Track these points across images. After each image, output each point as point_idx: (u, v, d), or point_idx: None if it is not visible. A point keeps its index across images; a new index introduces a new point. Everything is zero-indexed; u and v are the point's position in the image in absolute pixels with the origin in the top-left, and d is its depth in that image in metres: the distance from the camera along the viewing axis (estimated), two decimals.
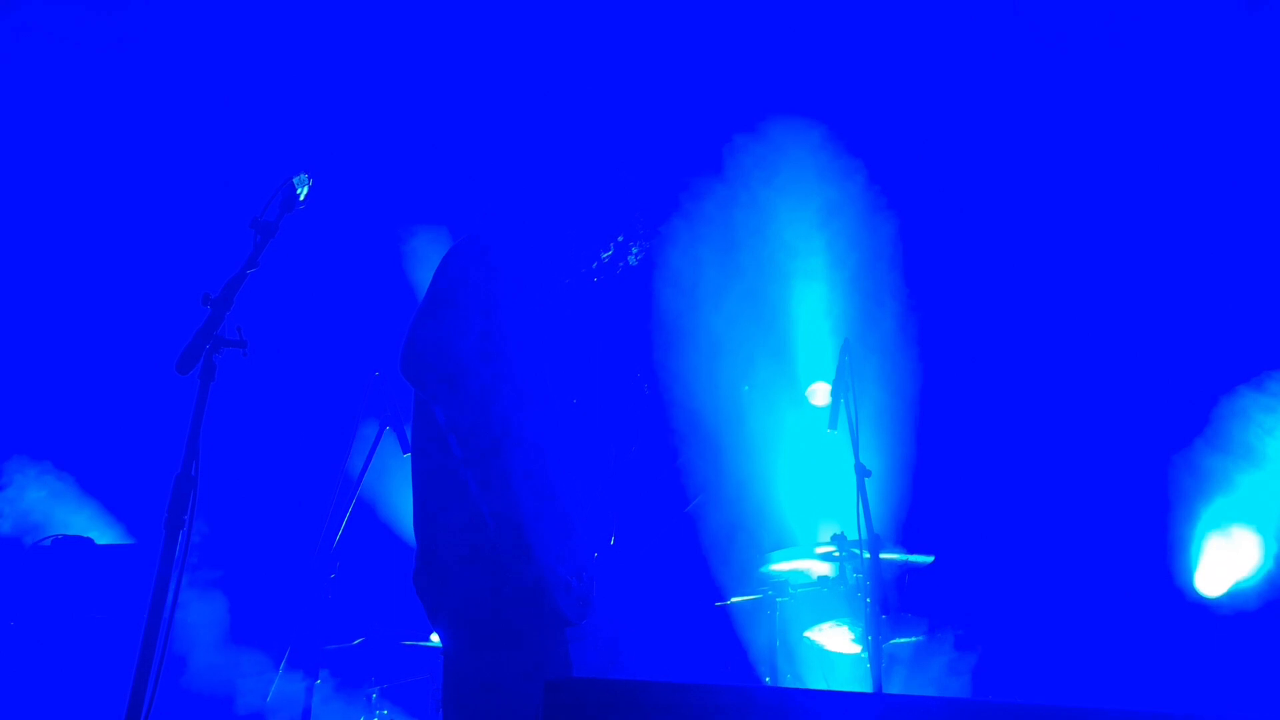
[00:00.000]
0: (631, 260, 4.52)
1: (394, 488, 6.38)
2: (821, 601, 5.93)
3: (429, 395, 3.90)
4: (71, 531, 6.64)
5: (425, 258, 6.56)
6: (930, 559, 5.86)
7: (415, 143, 7.01)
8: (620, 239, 4.43)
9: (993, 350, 6.71)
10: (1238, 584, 6.71)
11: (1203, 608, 6.54)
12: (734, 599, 6.07)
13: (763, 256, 7.10)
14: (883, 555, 5.56)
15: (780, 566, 6.00)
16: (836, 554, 5.73)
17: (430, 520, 3.89)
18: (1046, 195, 7.05)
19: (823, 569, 5.95)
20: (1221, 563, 6.77)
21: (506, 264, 4.20)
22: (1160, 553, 6.69)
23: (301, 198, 4.13)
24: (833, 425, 5.58)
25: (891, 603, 5.87)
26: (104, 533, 6.85)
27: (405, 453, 5.89)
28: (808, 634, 6.00)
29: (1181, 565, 6.76)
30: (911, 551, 5.84)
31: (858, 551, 5.54)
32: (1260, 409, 6.53)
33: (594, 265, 4.38)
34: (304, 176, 4.06)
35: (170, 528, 3.36)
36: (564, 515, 3.94)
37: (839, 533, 5.72)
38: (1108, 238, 7.02)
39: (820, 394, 6.95)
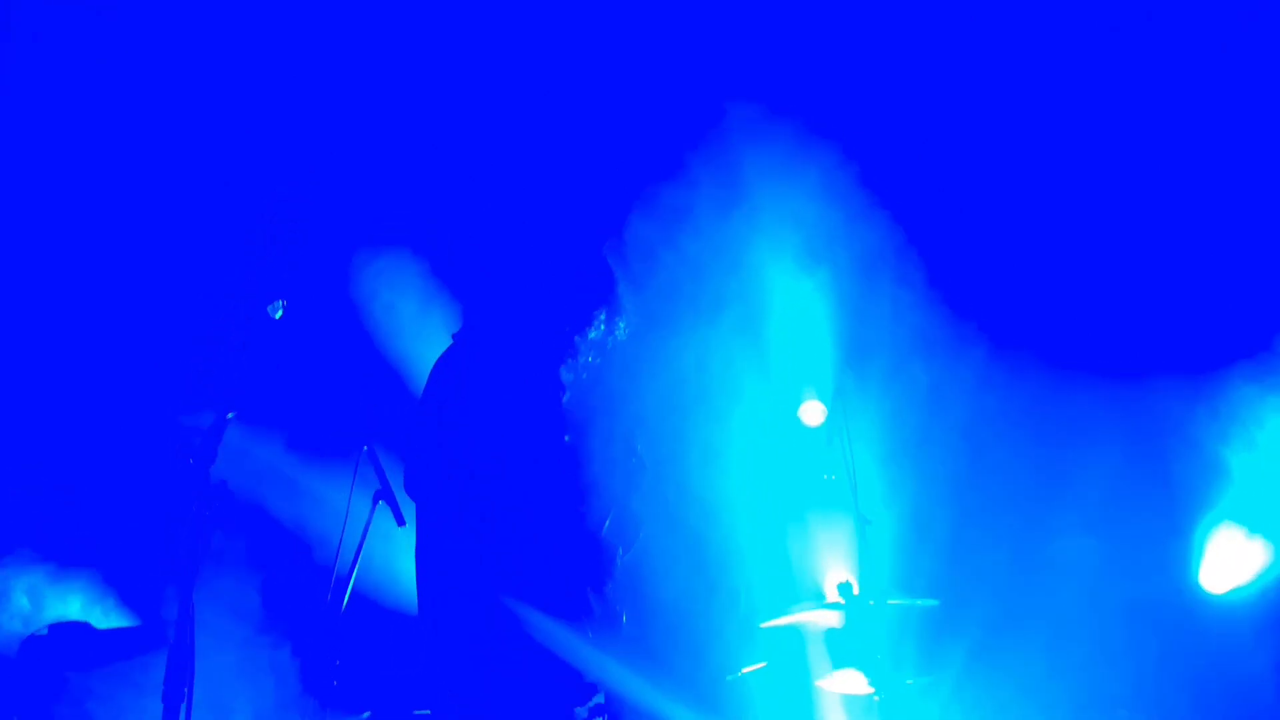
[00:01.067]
0: (620, 334, 4.47)
1: (392, 559, 6.32)
2: (830, 651, 5.91)
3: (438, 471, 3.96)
4: (69, 617, 6.57)
5: (409, 329, 6.47)
6: (936, 602, 5.82)
7: (404, 217, 6.92)
8: (603, 315, 4.38)
9: (993, 383, 6.62)
10: (1244, 583, 6.72)
11: (1211, 627, 6.53)
12: (745, 669, 6.02)
13: (748, 266, 6.97)
14: (889, 601, 5.54)
15: (786, 620, 5.95)
16: (843, 603, 5.69)
17: (438, 591, 3.92)
18: (1049, 202, 6.96)
19: (830, 619, 5.91)
20: (1229, 558, 6.77)
21: (491, 363, 4.18)
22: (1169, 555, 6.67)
23: (277, 318, 4.06)
24: (831, 474, 5.54)
25: (901, 647, 5.86)
26: (104, 616, 6.78)
27: (400, 525, 5.83)
28: (820, 684, 5.97)
29: (1188, 567, 6.75)
30: (917, 596, 5.80)
31: (863, 599, 5.53)
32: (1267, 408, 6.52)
33: (584, 350, 4.33)
34: (278, 302, 4.00)
35: (169, 699, 3.29)
36: (573, 586, 3.96)
37: (844, 582, 5.68)
38: (1108, 240, 6.95)
39: (813, 413, 6.87)
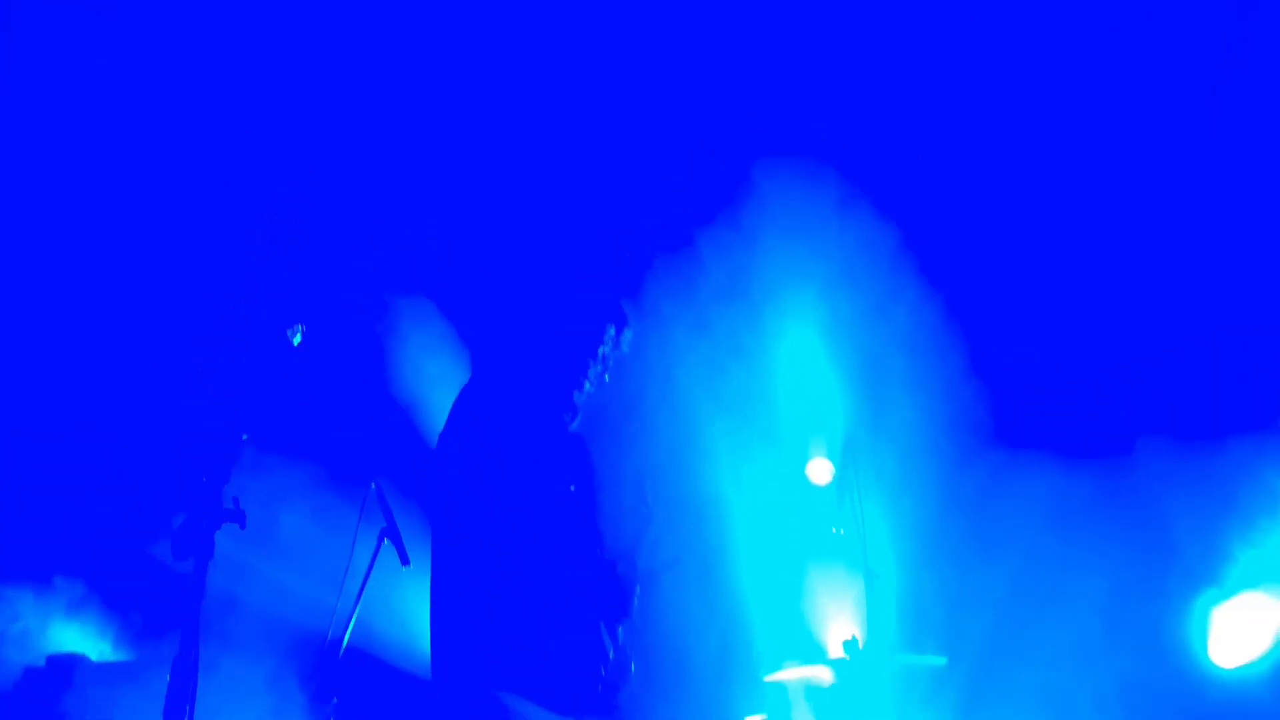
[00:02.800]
0: (624, 348, 4.44)
1: (395, 600, 6.27)
2: (836, 709, 5.83)
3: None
4: (65, 649, 6.52)
5: (416, 366, 6.49)
6: (943, 660, 5.77)
7: (405, 246, 6.95)
8: (612, 330, 4.36)
9: (996, 439, 6.61)
10: (1257, 656, 6.64)
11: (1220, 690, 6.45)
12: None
13: (761, 338, 6.99)
14: (896, 658, 5.49)
15: (791, 674, 5.89)
16: (848, 659, 5.64)
17: (454, 640, 3.89)
18: (1062, 275, 6.98)
19: (834, 675, 5.85)
20: (1238, 632, 6.70)
21: (504, 408, 4.18)
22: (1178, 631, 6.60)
23: (295, 344, 4.06)
24: (839, 528, 5.52)
25: (907, 707, 5.79)
26: (99, 649, 6.73)
27: (404, 565, 5.79)
28: None
29: (1197, 640, 6.68)
30: (924, 653, 5.75)
31: (869, 656, 5.47)
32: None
33: (595, 371, 4.32)
34: (297, 326, 3.99)
35: (171, 714, 3.25)
36: (588, 637, 3.94)
37: (851, 639, 5.63)
38: (1121, 290, 6.94)
39: (822, 471, 6.84)
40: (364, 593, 5.68)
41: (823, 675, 5.84)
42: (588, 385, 4.27)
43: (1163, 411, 6.82)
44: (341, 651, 5.60)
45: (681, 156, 7.34)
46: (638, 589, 4.20)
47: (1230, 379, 6.82)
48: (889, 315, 6.79)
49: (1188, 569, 6.57)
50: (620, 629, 4.09)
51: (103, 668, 6.42)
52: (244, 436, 3.65)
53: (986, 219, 7.13)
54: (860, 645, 5.60)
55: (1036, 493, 6.51)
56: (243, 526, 3.53)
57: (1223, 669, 6.72)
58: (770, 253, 6.98)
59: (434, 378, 6.31)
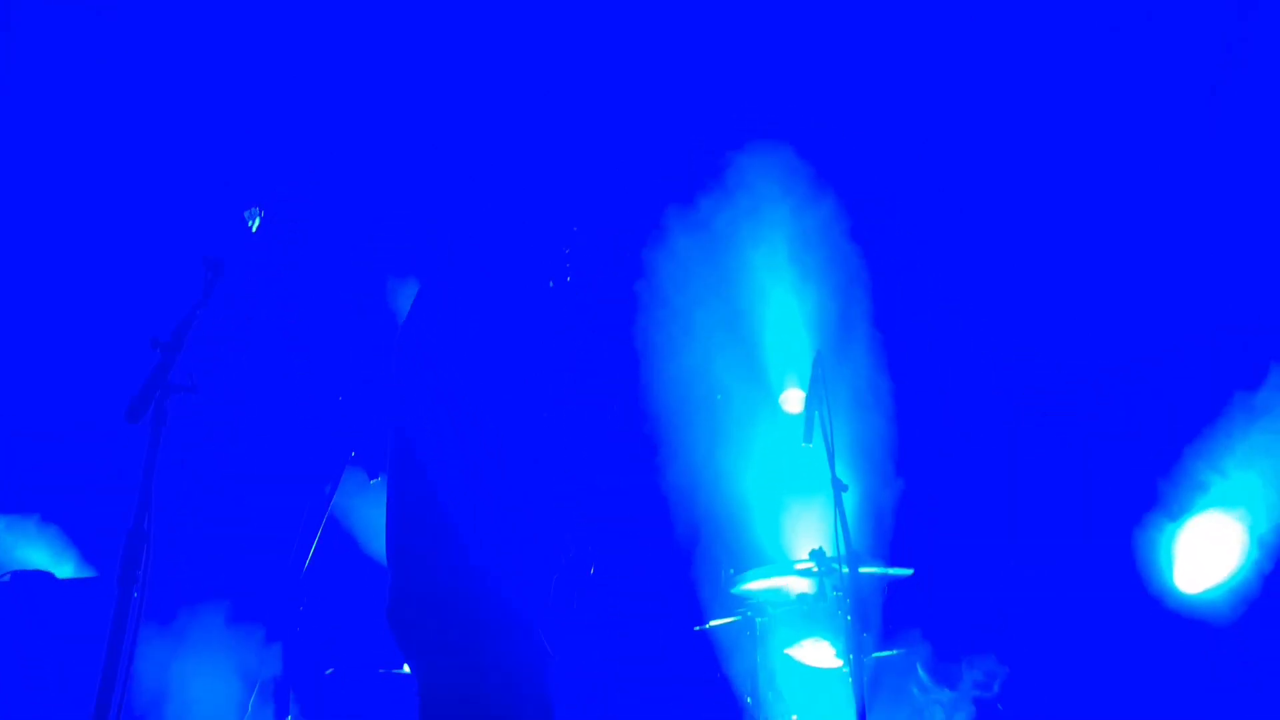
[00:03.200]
0: (586, 251, 4.40)
1: (361, 515, 6.25)
2: (802, 618, 5.85)
3: (412, 426, 3.86)
4: (30, 566, 6.47)
5: (388, 281, 6.42)
6: (910, 571, 5.78)
7: (371, 155, 6.87)
8: (568, 250, 4.33)
9: (968, 357, 6.65)
10: (1219, 583, 6.69)
11: (1184, 613, 6.51)
12: (713, 623, 5.97)
13: (733, 265, 7.01)
14: (862, 569, 5.48)
15: (758, 585, 5.91)
16: (815, 570, 5.64)
17: (406, 551, 3.81)
18: (1017, 198, 7.00)
19: (802, 585, 5.86)
20: (1202, 559, 6.75)
21: (470, 297, 4.12)
22: (1140, 554, 6.66)
23: (253, 229, 4.01)
24: (808, 439, 5.49)
25: (872, 617, 5.81)
26: (64, 566, 6.68)
27: (372, 479, 5.77)
28: (789, 651, 5.91)
29: (1161, 564, 6.73)
30: (891, 565, 5.76)
31: (837, 566, 5.45)
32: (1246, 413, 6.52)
33: (559, 273, 4.28)
34: (255, 209, 3.94)
35: (123, 584, 3.22)
36: (546, 545, 3.87)
37: (817, 548, 5.63)
38: (1083, 238, 6.98)
39: (793, 401, 6.87)
40: (330, 505, 5.68)
41: (790, 584, 5.85)
42: (560, 274, 4.23)
43: (1130, 338, 6.86)
44: (308, 562, 5.58)
45: (662, 102, 7.32)
46: (599, 493, 4.16)
47: (1201, 315, 6.84)
48: (856, 248, 6.87)
49: (1155, 492, 6.62)
50: (580, 530, 4.04)
51: (67, 584, 6.37)
52: (199, 311, 3.62)
53: (939, 152, 7.16)
54: (827, 555, 5.59)
55: (1004, 414, 6.55)
56: (197, 398, 3.50)
57: (1186, 594, 6.76)
58: (745, 193, 7.02)
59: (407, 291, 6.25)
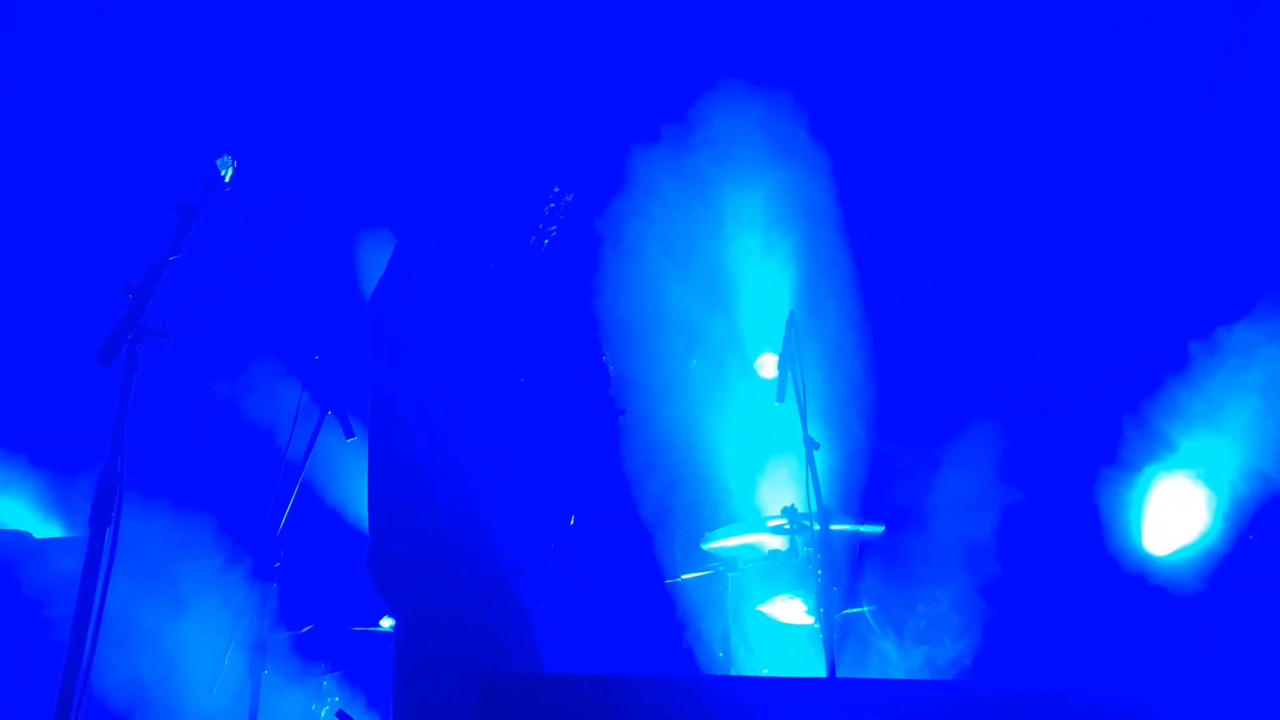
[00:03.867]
0: (552, 231, 4.42)
1: (338, 473, 6.28)
2: (773, 575, 5.92)
3: (391, 384, 3.89)
4: (8, 526, 6.47)
5: (364, 239, 6.44)
6: (881, 529, 5.85)
7: (347, 116, 6.86)
8: (551, 206, 4.35)
9: (939, 317, 6.71)
10: (1186, 545, 6.77)
11: (1151, 574, 6.59)
12: (685, 576, 6.05)
13: (708, 230, 7.05)
14: (833, 527, 5.54)
15: (731, 541, 5.97)
16: (787, 527, 5.71)
17: (386, 506, 3.85)
18: (990, 159, 7.05)
19: (774, 542, 5.93)
20: (1170, 522, 6.83)
21: (440, 259, 4.13)
22: (1110, 518, 6.73)
23: (226, 179, 4.02)
24: (780, 398, 5.55)
25: (843, 574, 5.88)
26: (43, 526, 6.69)
27: (348, 438, 5.80)
28: (760, 608, 5.98)
29: (1129, 527, 6.81)
30: (862, 522, 5.83)
31: (808, 524, 5.52)
32: (1210, 376, 6.58)
33: (535, 236, 4.31)
34: (228, 158, 3.95)
35: (95, 525, 3.26)
36: (523, 500, 3.91)
37: (789, 505, 5.70)
38: (1054, 202, 7.03)
39: (768, 366, 6.92)
40: (307, 463, 5.70)
41: (763, 541, 5.92)
42: (536, 237, 4.25)
43: (1098, 295, 6.92)
44: (285, 519, 5.61)
45: (645, 60, 7.32)
46: (576, 450, 4.19)
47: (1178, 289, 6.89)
48: (831, 209, 6.91)
49: (1125, 451, 6.70)
50: (558, 485, 4.07)
51: (46, 544, 6.37)
52: (171, 257, 3.63)
53: (916, 115, 7.19)
54: (798, 513, 5.66)
55: (975, 373, 6.62)
56: (169, 342, 3.52)
57: (1155, 555, 6.84)
58: (722, 160, 7.04)
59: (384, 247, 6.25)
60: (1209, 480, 6.66)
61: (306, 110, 6.82)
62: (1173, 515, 6.81)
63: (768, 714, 2.50)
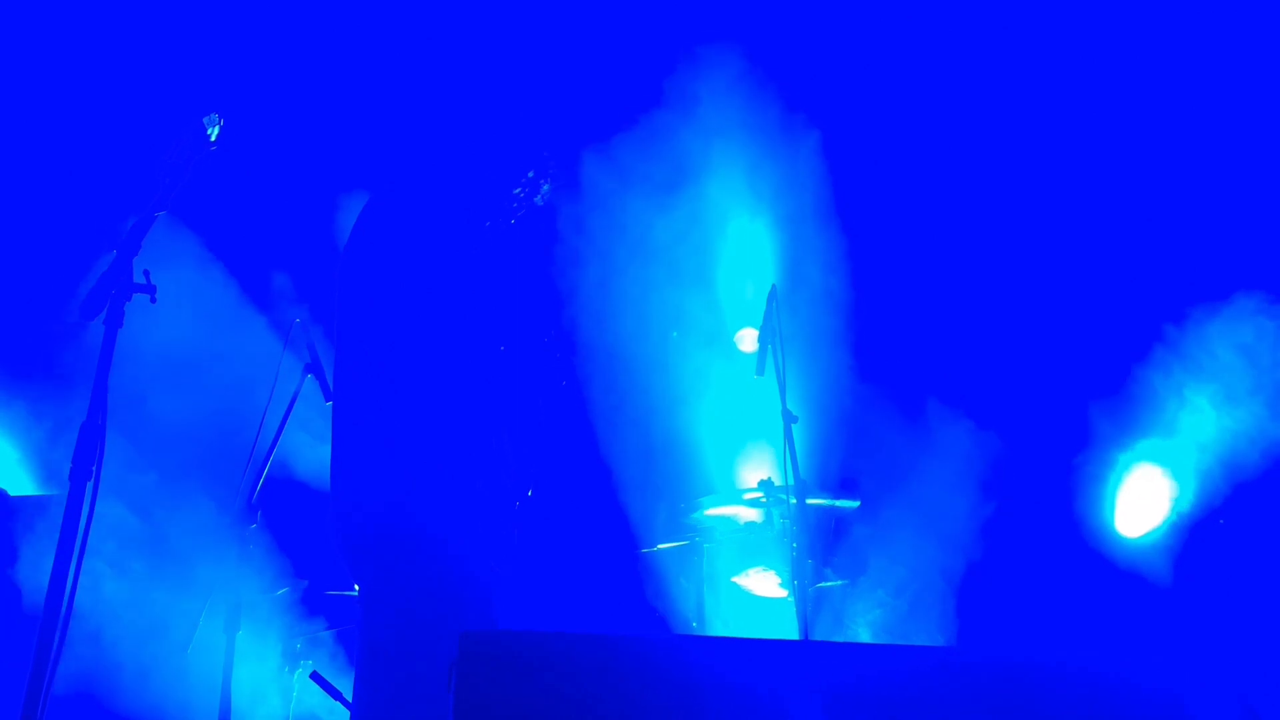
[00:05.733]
0: (539, 200, 4.42)
1: (315, 435, 6.27)
2: (748, 547, 5.96)
3: (357, 353, 3.88)
4: None
5: (344, 201, 6.40)
6: (857, 504, 5.90)
7: (327, 86, 6.83)
8: (530, 175, 4.33)
9: (920, 295, 6.75)
10: (1156, 526, 6.87)
11: (1124, 553, 6.68)
12: (660, 545, 6.08)
13: (690, 202, 7.05)
14: (809, 500, 5.58)
15: (707, 512, 6.00)
16: (763, 499, 5.74)
17: (354, 467, 3.85)
18: (976, 143, 7.08)
19: (750, 514, 5.97)
20: (1140, 504, 6.93)
21: (408, 227, 4.10)
22: (1082, 499, 6.82)
23: (212, 138, 4.00)
24: (760, 371, 5.58)
25: (818, 547, 5.92)
26: (17, 483, 6.67)
27: (328, 400, 5.79)
28: (735, 579, 6.02)
29: (1101, 509, 6.90)
30: (838, 497, 5.87)
31: (784, 497, 5.56)
32: (1178, 364, 6.65)
33: (509, 205, 4.30)
34: (214, 116, 3.93)
35: (76, 479, 3.27)
36: (488, 465, 3.90)
37: (766, 478, 5.73)
38: (1031, 190, 7.08)
39: (748, 340, 6.95)
40: (285, 427, 5.69)
41: (739, 513, 5.96)
42: (503, 215, 4.24)
43: (1081, 271, 6.97)
44: (261, 481, 5.61)
45: (626, 37, 7.29)
46: (533, 418, 4.18)
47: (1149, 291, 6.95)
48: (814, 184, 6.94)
49: (1098, 448, 6.78)
50: (520, 453, 4.07)
51: (21, 501, 6.36)
52: (159, 213, 3.63)
53: (901, 91, 7.21)
54: (774, 485, 5.69)
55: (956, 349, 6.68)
56: (153, 300, 3.52)
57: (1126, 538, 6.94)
58: (703, 136, 7.04)
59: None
60: (1175, 467, 6.76)
61: (287, 73, 6.78)
62: (1143, 499, 6.91)
63: (747, 674, 2.53)
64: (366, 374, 3.91)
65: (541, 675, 2.31)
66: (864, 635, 6.08)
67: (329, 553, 6.17)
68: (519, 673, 2.28)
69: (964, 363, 6.75)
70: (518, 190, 4.29)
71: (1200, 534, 6.70)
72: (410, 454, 3.77)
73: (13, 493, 6.50)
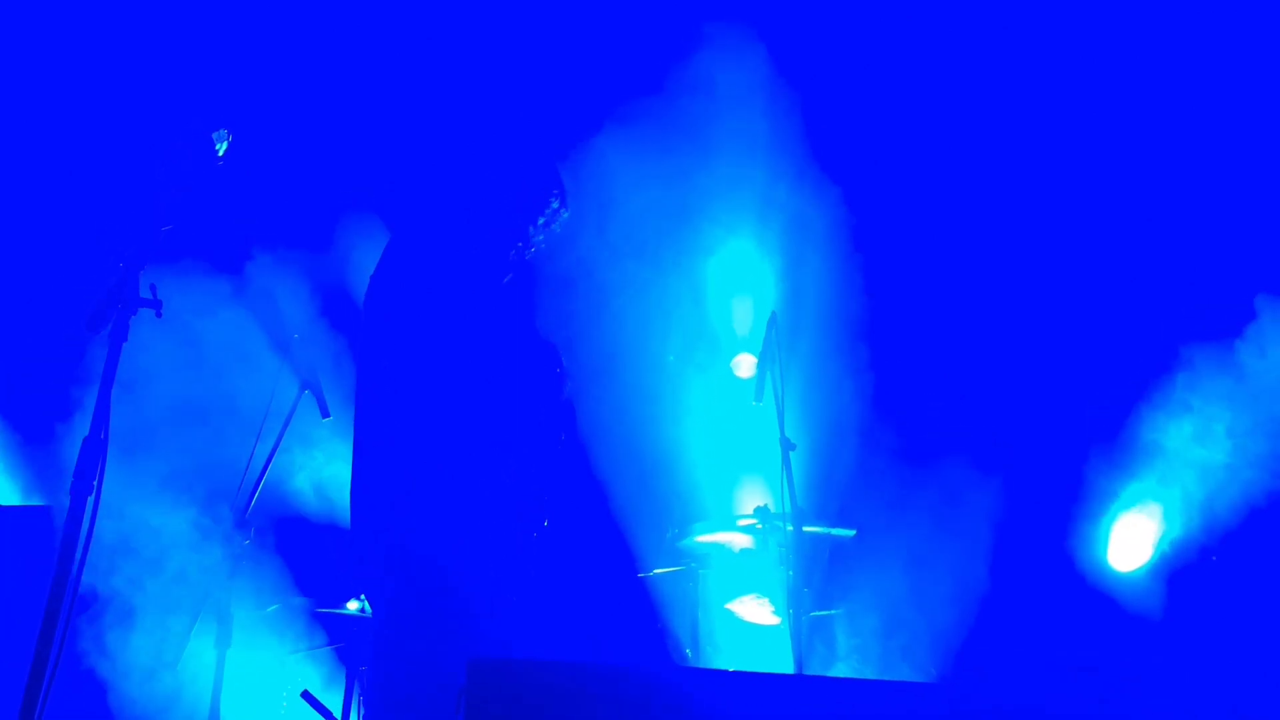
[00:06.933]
0: (557, 228, 4.41)
1: (311, 453, 6.26)
2: (743, 573, 5.95)
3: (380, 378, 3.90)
4: None
5: (350, 222, 6.42)
6: (853, 532, 5.89)
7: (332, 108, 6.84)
8: (554, 205, 4.33)
9: (919, 328, 6.76)
10: (1147, 560, 6.89)
11: (1114, 589, 6.70)
12: (656, 570, 6.07)
13: (690, 228, 7.06)
14: (805, 528, 5.57)
15: (702, 538, 6.00)
16: (759, 526, 5.73)
17: (373, 487, 3.86)
18: (981, 174, 7.10)
19: (744, 541, 5.96)
20: (1133, 539, 6.95)
21: (434, 259, 4.12)
22: (1075, 534, 6.84)
23: (220, 153, 4.00)
24: (759, 398, 5.58)
25: (814, 576, 5.91)
26: (7, 494, 6.63)
27: (324, 417, 5.78)
28: (729, 606, 6.01)
29: (1094, 544, 6.91)
30: (834, 525, 5.86)
31: (780, 524, 5.55)
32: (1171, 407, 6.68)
33: (531, 234, 4.30)
34: (224, 131, 3.93)
35: (77, 492, 3.24)
36: (506, 495, 3.93)
37: (763, 505, 5.73)
38: (1034, 222, 7.10)
39: (745, 366, 6.96)
40: (281, 442, 5.68)
41: (734, 539, 5.95)
42: (525, 246, 4.26)
43: (1082, 304, 7.00)
44: (255, 497, 5.59)
45: (627, 50, 7.30)
46: (550, 450, 4.20)
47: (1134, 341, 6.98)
48: (816, 211, 6.95)
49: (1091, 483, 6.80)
50: (536, 485, 4.08)
51: (10, 512, 6.31)
52: (165, 228, 3.62)
53: (904, 114, 7.23)
54: (770, 513, 5.69)
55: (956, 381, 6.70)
56: (159, 315, 3.51)
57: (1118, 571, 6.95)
58: (708, 160, 7.05)
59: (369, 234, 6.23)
60: (1166, 502, 6.79)
61: (303, 93, 6.79)
62: (1135, 534, 6.94)
63: (749, 709, 2.52)
64: (389, 402, 3.94)
65: (549, 704, 2.30)
66: (855, 665, 6.07)
67: (323, 570, 6.18)
68: (527, 701, 2.27)
69: (962, 396, 6.75)
70: (540, 220, 4.30)
71: (1191, 568, 6.72)
72: (430, 482, 3.81)
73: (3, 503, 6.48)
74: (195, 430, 6.12)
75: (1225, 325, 6.47)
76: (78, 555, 3.20)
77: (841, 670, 5.98)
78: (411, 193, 4.40)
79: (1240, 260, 6.64)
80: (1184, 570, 6.65)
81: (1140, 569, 6.87)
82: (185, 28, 6.61)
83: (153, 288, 3.47)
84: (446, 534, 3.79)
